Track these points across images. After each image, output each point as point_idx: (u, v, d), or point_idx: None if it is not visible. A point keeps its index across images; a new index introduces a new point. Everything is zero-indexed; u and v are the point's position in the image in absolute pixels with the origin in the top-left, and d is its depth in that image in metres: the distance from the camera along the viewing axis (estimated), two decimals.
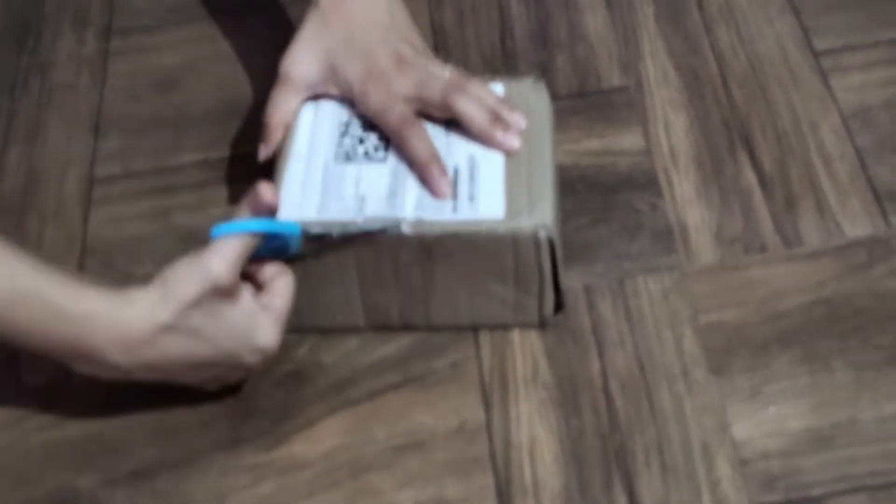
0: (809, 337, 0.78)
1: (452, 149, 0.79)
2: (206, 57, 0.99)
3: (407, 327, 0.79)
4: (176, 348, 0.71)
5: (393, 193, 0.77)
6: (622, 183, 0.87)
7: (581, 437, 0.75)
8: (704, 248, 0.83)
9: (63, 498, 0.75)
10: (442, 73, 0.81)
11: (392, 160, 0.79)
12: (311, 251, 0.76)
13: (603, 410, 0.76)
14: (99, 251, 0.87)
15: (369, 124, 0.81)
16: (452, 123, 0.80)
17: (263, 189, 0.73)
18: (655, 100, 0.91)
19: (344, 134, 0.81)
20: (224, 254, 0.71)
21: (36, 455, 0.77)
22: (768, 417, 0.74)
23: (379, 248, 0.76)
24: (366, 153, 0.80)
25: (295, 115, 0.83)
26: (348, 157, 0.80)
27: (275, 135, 0.83)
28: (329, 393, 0.78)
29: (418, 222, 0.75)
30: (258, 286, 0.75)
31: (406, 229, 0.75)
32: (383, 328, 0.80)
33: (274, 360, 0.76)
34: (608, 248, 0.83)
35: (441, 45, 0.97)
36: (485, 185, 0.77)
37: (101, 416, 0.78)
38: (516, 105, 0.81)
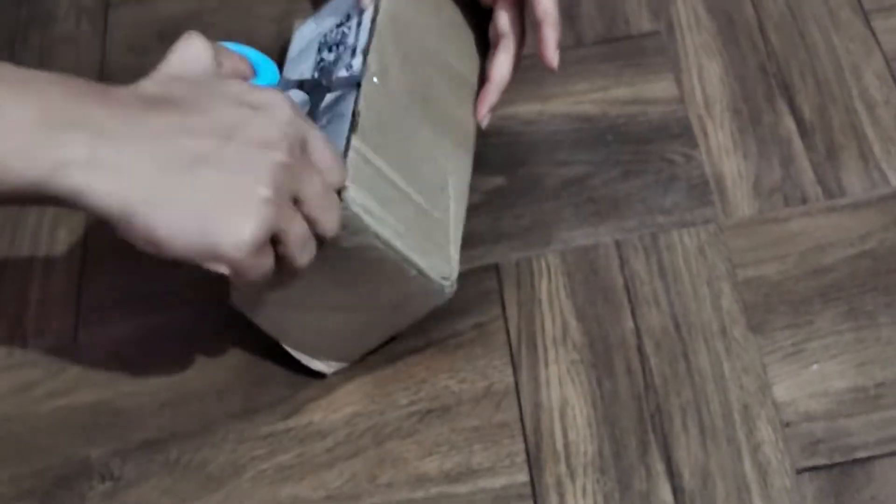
0: (853, 291, 0.74)
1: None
2: (212, 6, 0.95)
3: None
4: (165, 122, 0.59)
5: None
6: (654, 133, 0.83)
7: (615, 399, 0.71)
8: (742, 201, 0.78)
9: (74, 467, 0.72)
10: None
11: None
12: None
13: (637, 371, 0.72)
14: None
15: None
16: None
17: None
18: (688, 45, 0.87)
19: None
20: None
21: (45, 423, 0.74)
22: (811, 377, 0.70)
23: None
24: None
25: None
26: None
27: None
28: None
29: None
30: None
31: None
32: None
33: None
34: (640, 201, 0.79)
35: None
36: None
37: (111, 385, 0.75)
38: None
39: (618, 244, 0.78)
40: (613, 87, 0.85)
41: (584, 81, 0.86)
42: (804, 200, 0.78)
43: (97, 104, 0.58)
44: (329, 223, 0.62)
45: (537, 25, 0.74)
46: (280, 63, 0.75)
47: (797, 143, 0.81)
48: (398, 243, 0.65)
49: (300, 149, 0.60)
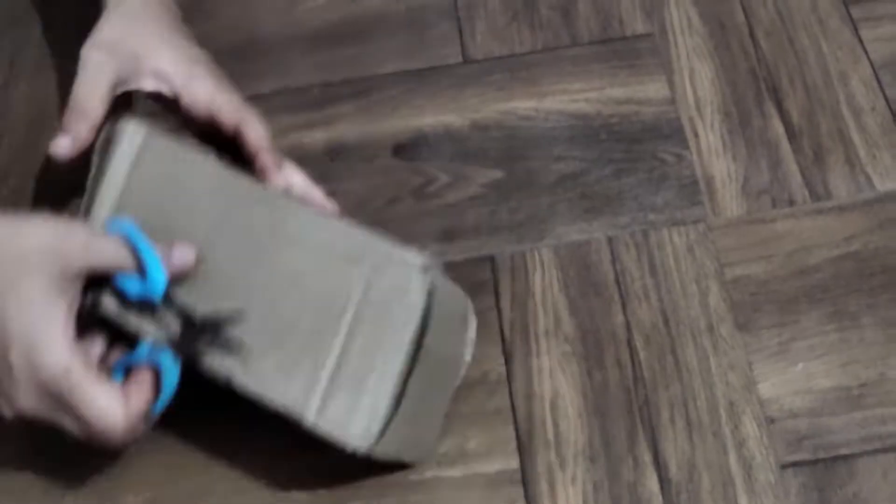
0: (838, 293, 0.76)
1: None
2: None
3: None
4: None
5: None
6: (646, 133, 0.84)
7: (604, 390, 0.73)
8: (731, 201, 0.80)
9: None
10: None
11: None
12: None
13: (627, 364, 0.74)
14: None
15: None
16: None
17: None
18: (680, 48, 0.89)
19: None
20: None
21: None
22: (796, 375, 0.73)
23: None
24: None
25: (104, 107, 0.73)
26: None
27: (77, 125, 0.72)
28: None
29: None
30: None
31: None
32: None
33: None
34: (632, 199, 0.81)
35: None
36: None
37: None
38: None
39: (610, 240, 0.79)
40: (608, 86, 0.87)
41: (579, 80, 0.87)
42: (791, 202, 0.80)
43: None
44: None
45: (254, 157, 0.72)
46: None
47: (785, 147, 0.83)
48: None
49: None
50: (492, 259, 0.79)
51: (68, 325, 0.63)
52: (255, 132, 0.72)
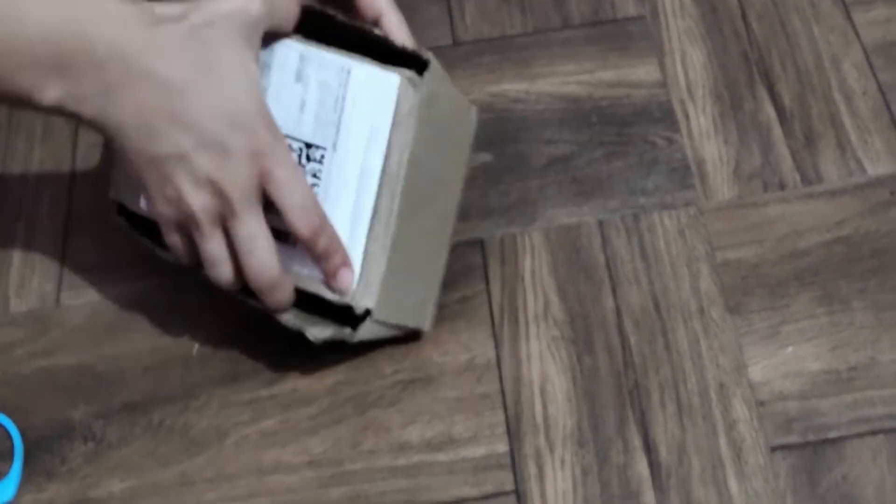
0: (829, 276, 0.75)
1: None
2: None
3: None
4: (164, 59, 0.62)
5: None
6: (637, 116, 0.84)
7: (594, 375, 0.72)
8: (722, 184, 0.80)
9: (56, 429, 0.72)
10: None
11: None
12: None
13: (617, 348, 0.73)
14: (89, 176, 0.84)
15: None
16: None
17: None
18: (672, 31, 0.88)
19: None
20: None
21: (26, 384, 0.74)
22: (786, 358, 0.72)
23: None
24: None
25: None
26: None
27: None
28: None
29: None
30: None
31: None
32: None
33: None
34: (623, 182, 0.80)
35: None
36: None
37: (93, 348, 0.75)
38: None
39: (600, 224, 0.79)
40: (599, 69, 0.86)
41: (570, 62, 0.87)
42: (782, 186, 0.80)
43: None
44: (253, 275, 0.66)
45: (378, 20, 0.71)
46: None
47: (776, 131, 0.82)
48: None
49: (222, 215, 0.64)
50: (481, 242, 0.78)
51: (261, 85, 0.65)
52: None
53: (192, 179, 0.63)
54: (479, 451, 0.70)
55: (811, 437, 0.69)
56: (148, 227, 0.70)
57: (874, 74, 0.84)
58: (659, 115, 0.84)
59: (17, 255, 0.80)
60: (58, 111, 0.61)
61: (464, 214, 0.79)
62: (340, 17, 0.68)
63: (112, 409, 0.73)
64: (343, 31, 0.68)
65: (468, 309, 0.75)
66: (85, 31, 0.60)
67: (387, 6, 0.71)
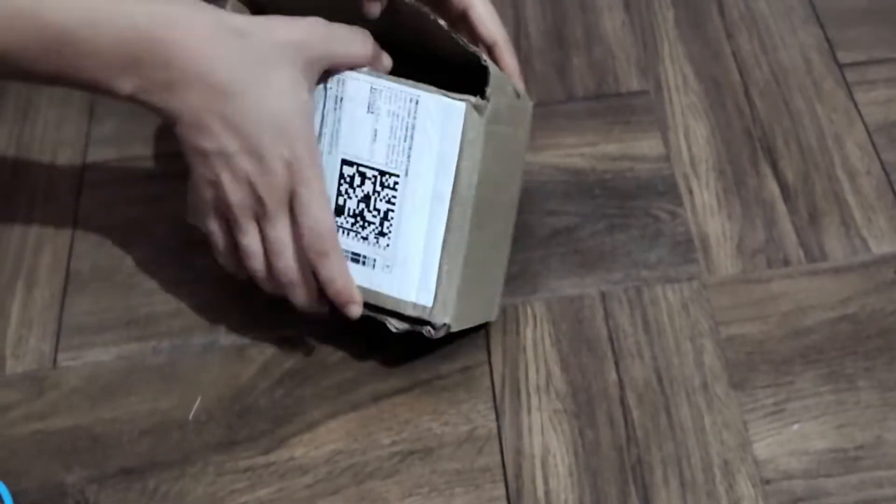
0: (834, 354, 0.75)
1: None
2: None
3: None
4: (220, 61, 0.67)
5: None
6: (641, 189, 0.84)
7: (596, 449, 0.71)
8: (725, 260, 0.80)
9: (48, 492, 0.70)
10: None
11: None
12: None
13: (619, 422, 0.72)
14: (90, 235, 0.83)
15: None
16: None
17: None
18: (675, 106, 0.89)
19: None
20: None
21: (21, 447, 0.72)
22: (791, 436, 0.71)
23: None
24: None
25: None
26: None
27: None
28: (331, 394, 0.74)
29: None
30: None
31: None
32: None
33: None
34: (626, 255, 0.80)
35: None
36: (403, 240, 0.71)
37: (90, 411, 0.74)
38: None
39: (603, 296, 0.78)
40: (602, 142, 0.87)
41: (573, 135, 0.87)
42: (787, 263, 0.79)
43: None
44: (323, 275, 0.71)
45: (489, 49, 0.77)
46: None
47: (780, 207, 0.82)
48: None
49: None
50: None
51: (312, 114, 0.70)
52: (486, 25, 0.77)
53: (232, 176, 0.68)
54: None
55: None
56: None
57: (877, 154, 0.84)
58: (662, 188, 0.84)
59: (14, 315, 0.79)
60: (132, 100, 0.68)
61: None
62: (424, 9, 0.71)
63: (107, 473, 0.71)
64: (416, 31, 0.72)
65: (469, 379, 0.74)
66: (155, 34, 0.66)
67: None
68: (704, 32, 0.94)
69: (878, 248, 0.80)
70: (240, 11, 0.73)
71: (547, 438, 0.72)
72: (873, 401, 0.72)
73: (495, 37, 0.76)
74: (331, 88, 0.71)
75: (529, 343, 0.76)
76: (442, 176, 0.70)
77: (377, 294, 0.71)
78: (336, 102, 0.71)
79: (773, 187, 0.83)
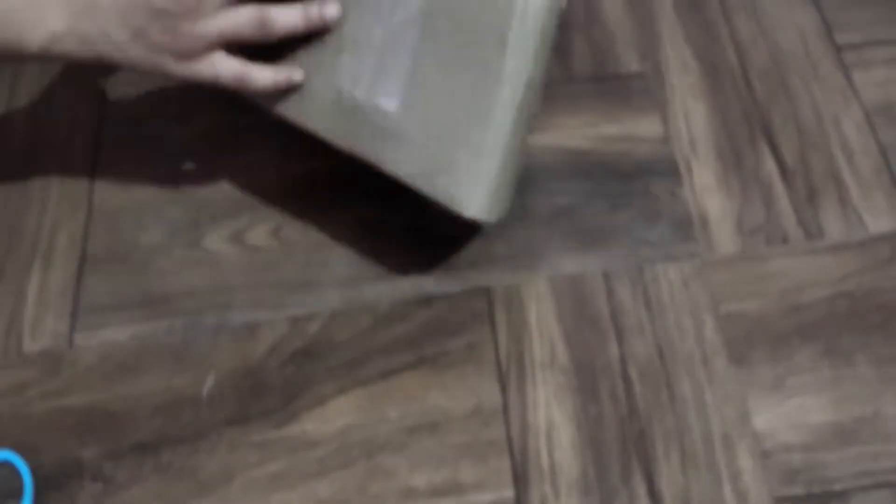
0: (832, 330, 0.76)
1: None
2: None
3: None
4: None
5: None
6: (641, 169, 0.85)
7: (599, 423, 0.73)
8: (725, 238, 0.81)
9: (65, 468, 0.72)
10: None
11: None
12: None
13: (622, 397, 0.74)
14: (105, 216, 0.84)
15: None
16: None
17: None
18: (675, 87, 0.90)
19: None
20: None
21: (38, 424, 0.74)
22: (790, 409, 0.73)
23: None
24: None
25: None
26: None
27: None
28: (340, 371, 0.76)
29: None
30: None
31: None
32: None
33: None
34: (627, 234, 0.82)
35: None
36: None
37: (105, 388, 0.76)
38: None
39: (605, 274, 0.80)
40: (603, 123, 0.88)
41: (574, 117, 0.88)
42: (785, 241, 0.81)
43: None
44: None
45: None
46: None
47: (778, 186, 0.84)
48: None
49: None
50: (488, 290, 0.79)
51: None
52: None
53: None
54: (485, 497, 0.71)
55: (815, 490, 0.70)
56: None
57: (874, 134, 0.86)
58: (662, 169, 0.85)
59: (31, 295, 0.80)
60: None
61: (470, 263, 0.80)
62: None
63: (122, 449, 0.73)
64: None
65: (475, 355, 0.76)
66: None
67: None
68: (703, 14, 0.95)
69: (875, 226, 0.81)
70: None
71: (551, 412, 0.74)
72: (870, 376, 0.74)
73: None
74: None
75: (534, 320, 0.78)
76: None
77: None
78: None
79: (771, 167, 0.85)
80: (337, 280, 0.80)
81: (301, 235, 0.82)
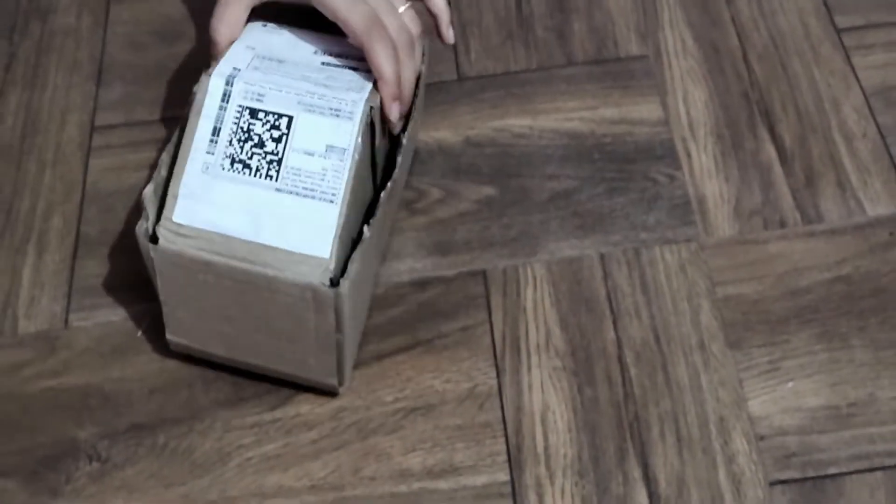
0: (828, 314, 0.76)
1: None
2: (209, 9, 0.96)
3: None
4: None
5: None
6: (639, 153, 0.85)
7: (595, 406, 0.73)
8: (722, 221, 0.81)
9: (61, 448, 0.72)
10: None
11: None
12: None
13: (617, 380, 0.74)
14: (99, 199, 0.84)
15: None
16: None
17: None
18: (674, 70, 0.90)
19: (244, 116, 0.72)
20: None
21: (34, 404, 0.74)
22: (786, 393, 0.73)
23: None
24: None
25: (240, 27, 0.76)
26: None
27: (222, 51, 0.75)
28: None
29: None
30: None
31: None
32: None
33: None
34: (624, 217, 0.82)
35: (454, 4, 0.95)
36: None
37: (101, 369, 0.76)
38: None
39: (602, 257, 0.80)
40: (601, 106, 0.88)
41: (573, 99, 0.88)
42: (783, 224, 0.81)
43: None
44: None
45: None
46: None
47: (777, 170, 0.84)
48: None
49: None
50: (483, 273, 0.79)
51: None
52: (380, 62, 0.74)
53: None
54: (479, 479, 0.71)
55: (810, 473, 0.70)
56: None
57: (874, 117, 0.86)
58: (661, 152, 0.85)
59: (26, 277, 0.80)
60: None
61: (466, 246, 0.80)
62: None
63: (118, 429, 0.73)
64: None
65: (470, 338, 0.76)
66: None
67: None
68: None
69: (874, 210, 0.81)
70: None
71: (546, 395, 0.74)
72: (866, 359, 0.74)
73: (439, 11, 0.79)
74: None
75: (529, 303, 0.78)
76: None
77: None
78: None
79: (770, 150, 0.85)
80: None
81: None
